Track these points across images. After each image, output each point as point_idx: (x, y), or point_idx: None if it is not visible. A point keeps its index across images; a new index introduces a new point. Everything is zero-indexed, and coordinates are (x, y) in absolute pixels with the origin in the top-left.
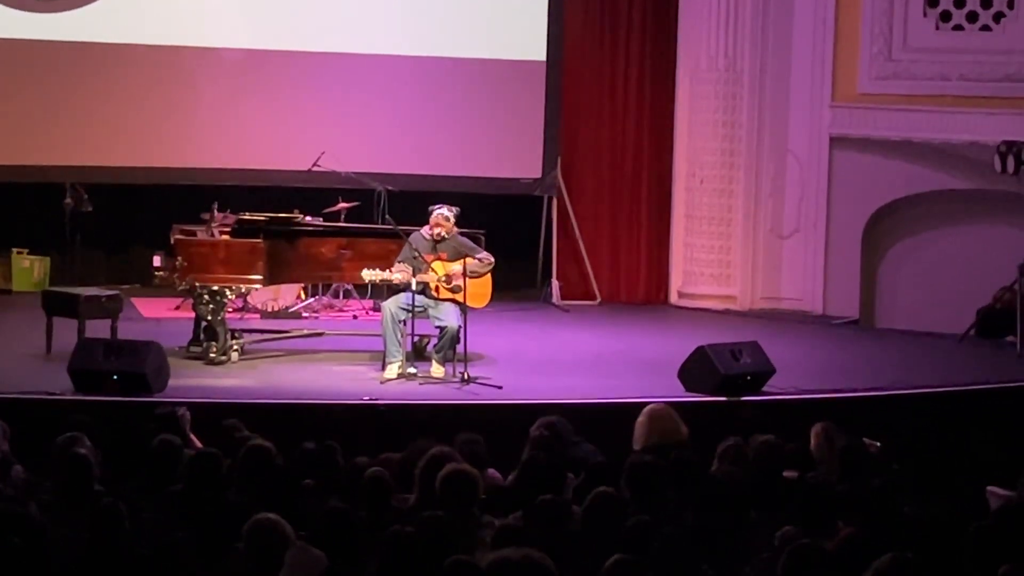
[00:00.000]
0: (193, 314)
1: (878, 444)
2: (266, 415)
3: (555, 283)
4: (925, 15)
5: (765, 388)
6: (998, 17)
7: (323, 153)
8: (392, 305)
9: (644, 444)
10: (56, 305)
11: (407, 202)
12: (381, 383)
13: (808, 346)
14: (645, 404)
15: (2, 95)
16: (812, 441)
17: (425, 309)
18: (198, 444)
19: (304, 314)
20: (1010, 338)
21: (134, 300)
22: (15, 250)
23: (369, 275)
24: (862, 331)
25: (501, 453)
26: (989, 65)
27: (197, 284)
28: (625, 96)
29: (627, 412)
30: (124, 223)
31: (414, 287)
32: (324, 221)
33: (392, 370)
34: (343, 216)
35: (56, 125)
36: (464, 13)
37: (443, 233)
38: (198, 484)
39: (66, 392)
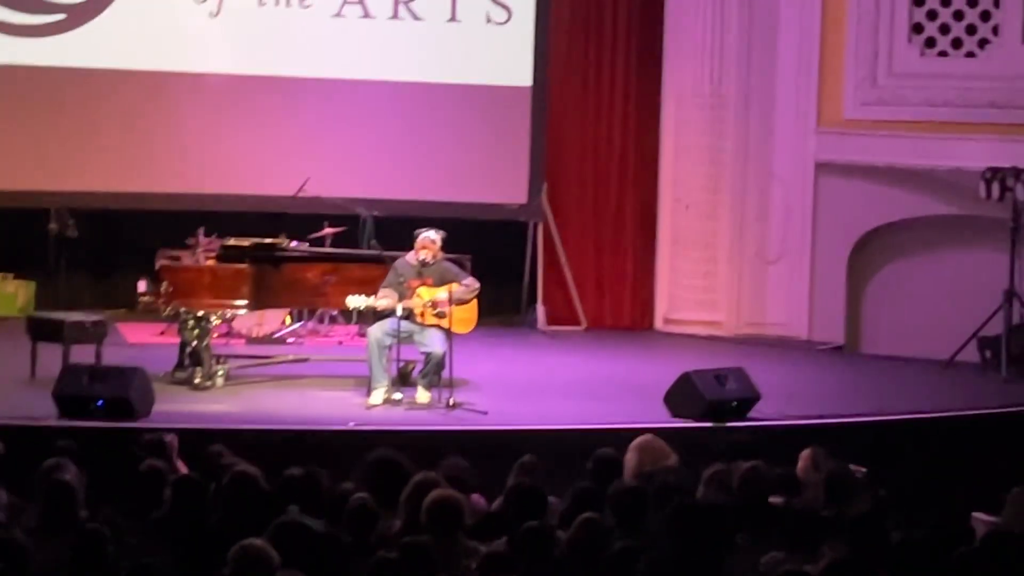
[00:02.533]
0: (178, 339)
1: (864, 470)
2: (251, 441)
3: (540, 308)
4: (910, 41)
5: (751, 414)
6: (983, 43)
7: (309, 179)
8: (377, 331)
9: (636, 475)
10: (41, 330)
11: (393, 228)
12: (366, 409)
13: (793, 371)
14: (631, 430)
15: None
16: (799, 465)
17: (410, 335)
18: (184, 470)
19: (289, 340)
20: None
21: (119, 325)
22: (0, 275)
23: (354, 301)
24: (847, 357)
25: (486, 479)
26: (974, 91)
27: (182, 309)
28: (610, 121)
29: (613, 438)
30: (109, 248)
31: (399, 313)
32: (310, 246)
33: (377, 396)
34: (329, 242)
35: (40, 150)
36: (450, 39)
37: (429, 256)
38: (182, 509)
39: (51, 417)
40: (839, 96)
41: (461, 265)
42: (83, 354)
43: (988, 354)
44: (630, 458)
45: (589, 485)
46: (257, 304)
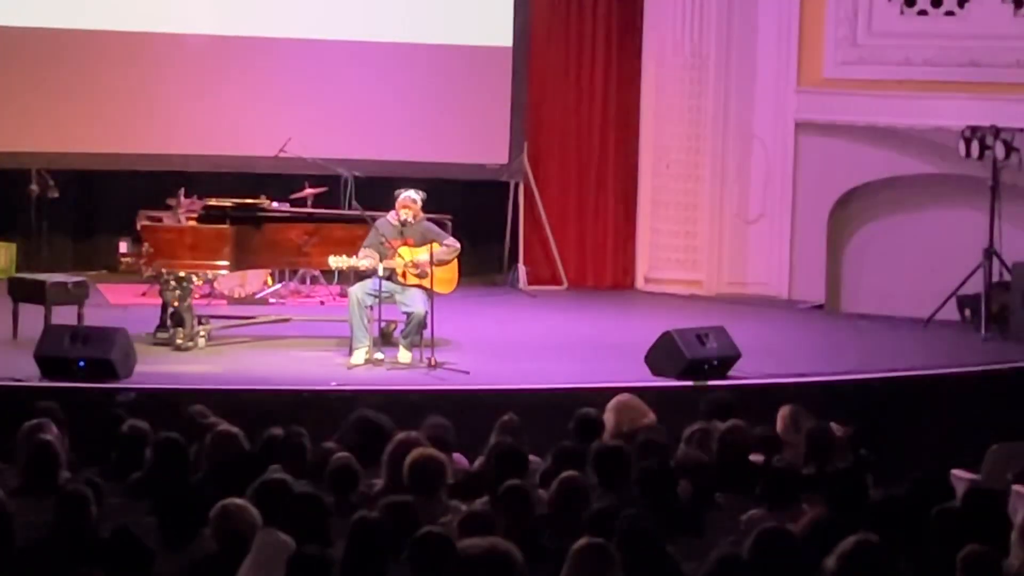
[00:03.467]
0: (160, 300)
1: (844, 428)
2: (233, 401)
3: (522, 268)
4: (890, 0)
5: (731, 372)
6: (962, 2)
7: (290, 139)
8: (359, 291)
9: (614, 435)
10: (22, 291)
11: (374, 188)
12: (348, 369)
13: (774, 330)
14: (612, 389)
15: None
16: (779, 424)
17: (392, 295)
18: None
19: (271, 300)
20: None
21: (100, 286)
22: None
23: (336, 261)
24: (828, 315)
25: (468, 438)
26: (954, 50)
27: (164, 270)
28: (591, 82)
29: (595, 397)
30: (90, 209)
31: (381, 273)
32: (291, 207)
33: (359, 356)
34: (310, 202)
35: (21, 111)
36: None
37: (410, 216)
38: (163, 470)
39: (32, 378)
40: (819, 55)
41: (442, 225)
42: (65, 315)
43: (967, 312)
44: (608, 418)
45: (570, 444)
46: (238, 265)
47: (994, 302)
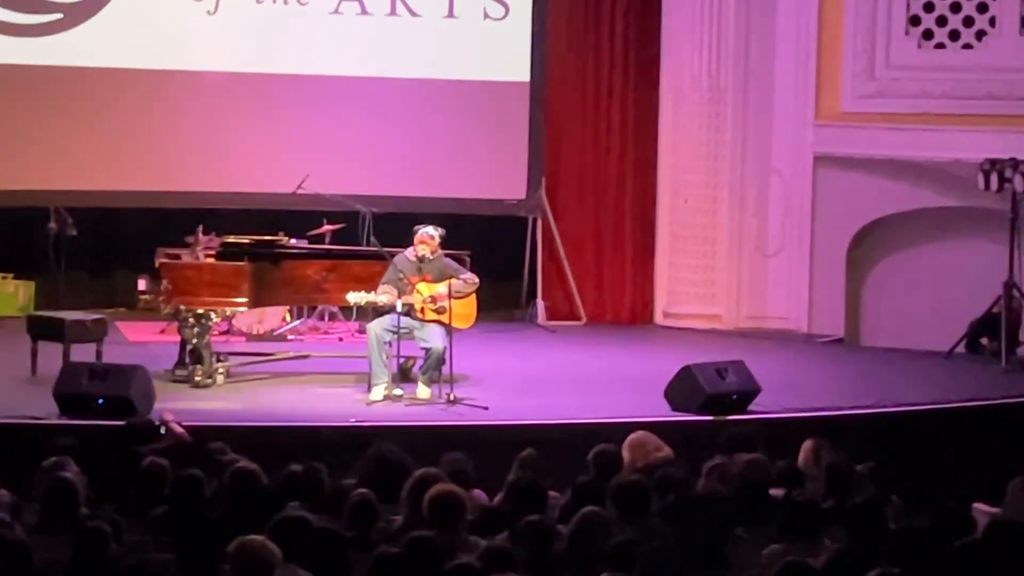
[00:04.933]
0: (178, 337)
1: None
2: (252, 438)
3: (540, 303)
4: (907, 33)
5: (751, 407)
6: (980, 35)
7: (308, 175)
8: (377, 327)
9: (630, 471)
10: (41, 329)
11: (392, 224)
12: (367, 405)
13: (794, 364)
14: (632, 424)
15: None
16: (801, 457)
17: (410, 330)
18: (178, 430)
19: (289, 336)
20: (989, 342)
21: (119, 324)
22: (0, 275)
23: (354, 297)
24: (847, 349)
25: (487, 474)
26: (972, 83)
27: (182, 307)
28: (609, 116)
29: (614, 432)
30: (108, 247)
31: (399, 309)
32: (309, 243)
33: (378, 392)
34: (328, 238)
35: (39, 149)
36: (448, 35)
37: (428, 252)
38: (182, 507)
39: (51, 416)
40: (837, 89)
41: (460, 261)
42: (83, 353)
43: (986, 342)
44: (624, 455)
45: (590, 479)
46: (257, 301)
47: (987, 332)
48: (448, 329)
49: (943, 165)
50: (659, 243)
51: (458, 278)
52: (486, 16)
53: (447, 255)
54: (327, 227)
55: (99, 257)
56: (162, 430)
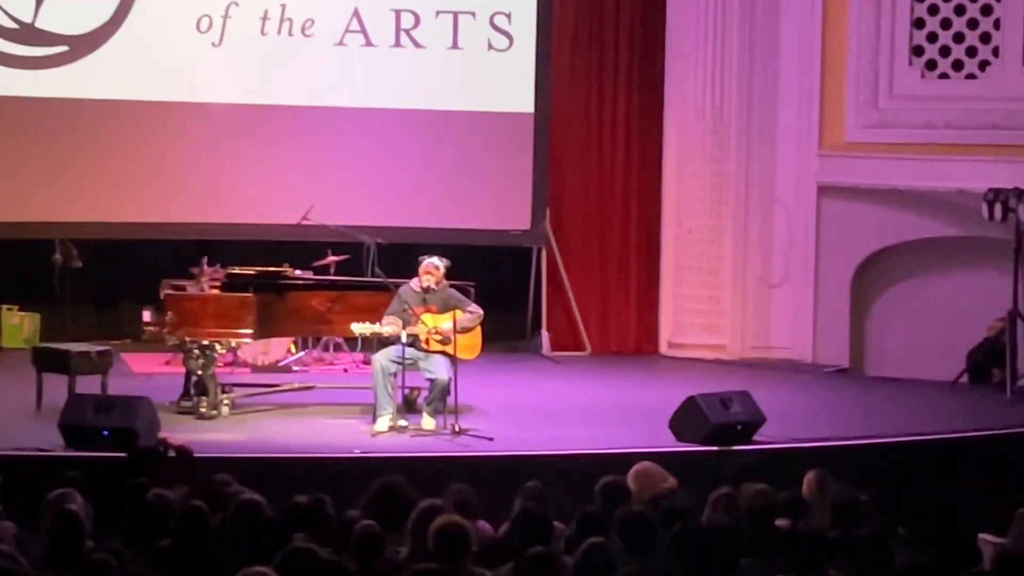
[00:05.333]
0: (183, 369)
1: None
2: (257, 469)
3: (545, 334)
4: (911, 63)
5: (756, 437)
6: (983, 65)
7: (312, 207)
8: (382, 358)
9: (635, 501)
10: (46, 361)
11: (397, 255)
12: (372, 436)
13: (798, 395)
14: (637, 455)
15: None
16: (804, 488)
17: (415, 361)
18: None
19: (294, 368)
20: (996, 374)
21: (124, 355)
22: (4, 306)
23: (359, 328)
24: (852, 379)
25: (492, 505)
26: (975, 113)
27: (187, 339)
28: (613, 146)
29: (619, 463)
30: (113, 278)
31: (404, 340)
32: (314, 274)
33: (383, 423)
34: (333, 269)
35: (44, 181)
36: (452, 66)
37: (432, 283)
38: (187, 539)
39: (57, 448)
40: (840, 119)
41: (465, 292)
42: (89, 384)
43: (997, 372)
44: (630, 486)
45: (595, 510)
46: (262, 333)
47: (978, 359)
48: (453, 360)
49: (947, 195)
50: (663, 273)
51: (463, 309)
52: (490, 47)
53: (452, 286)
54: (331, 258)
55: (104, 289)
56: (166, 452)
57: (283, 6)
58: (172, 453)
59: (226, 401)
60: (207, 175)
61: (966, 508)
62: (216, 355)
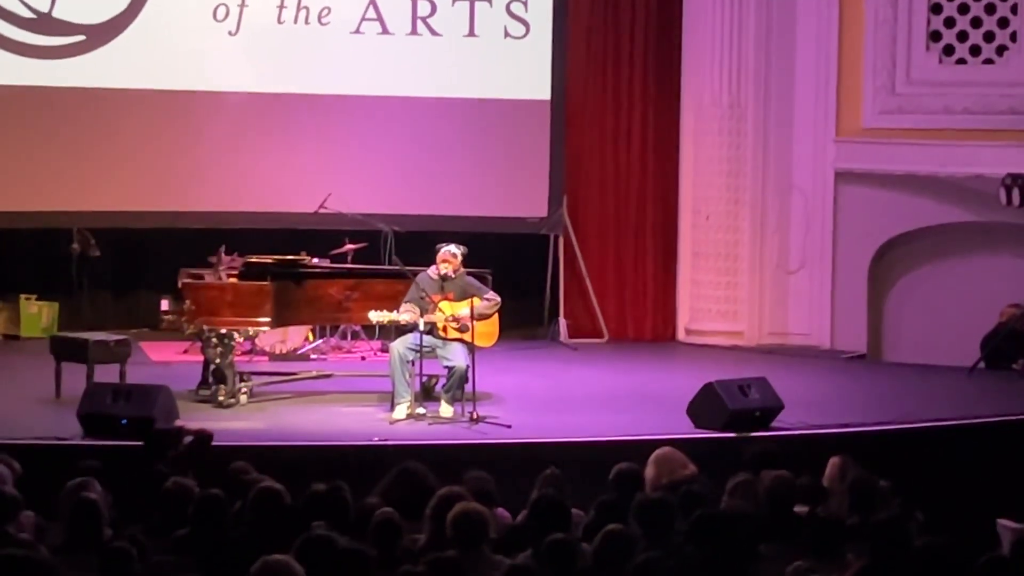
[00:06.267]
0: (201, 357)
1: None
2: (275, 457)
3: (562, 321)
4: (928, 49)
5: (774, 424)
6: (1001, 50)
7: (329, 195)
8: (400, 346)
9: (654, 487)
10: (64, 350)
11: (414, 243)
12: (390, 424)
13: (816, 381)
14: (655, 442)
15: (7, 141)
16: (827, 473)
17: (433, 349)
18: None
19: (312, 356)
20: (1020, 362)
21: (142, 344)
22: (23, 296)
23: (376, 316)
24: (870, 365)
25: (510, 492)
26: (993, 98)
27: (205, 327)
28: (629, 133)
29: (637, 450)
30: (131, 267)
31: (422, 327)
32: (331, 263)
33: (401, 411)
34: (350, 257)
35: (62, 171)
36: (469, 54)
37: (450, 270)
38: (206, 527)
39: (75, 437)
40: (858, 105)
41: (482, 279)
42: (107, 373)
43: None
44: (648, 471)
45: (613, 497)
46: (279, 321)
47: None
48: (471, 347)
49: (965, 180)
50: (681, 260)
51: (480, 297)
52: (507, 35)
53: (469, 273)
54: (349, 246)
55: (122, 278)
56: (182, 437)
57: None
58: (189, 438)
59: (244, 389)
60: (224, 164)
61: (985, 494)
62: (234, 343)
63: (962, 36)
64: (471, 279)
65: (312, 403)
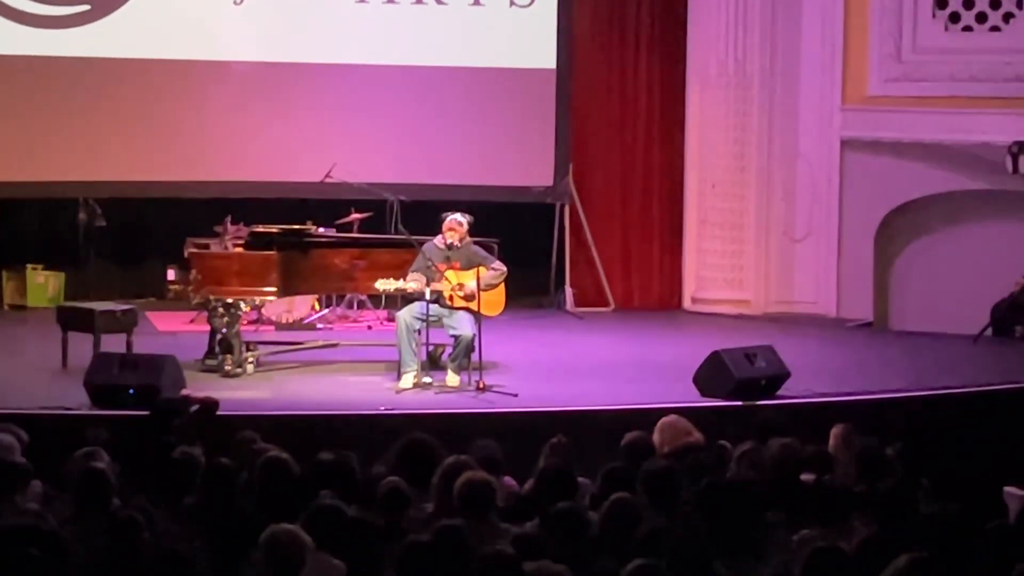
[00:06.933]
0: (208, 327)
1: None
2: (282, 426)
3: (568, 290)
4: (934, 16)
5: (780, 392)
6: (1007, 17)
7: (335, 164)
8: (406, 315)
9: (660, 455)
10: (71, 320)
11: (420, 212)
12: (396, 393)
13: (822, 349)
14: (661, 410)
15: (13, 112)
16: (831, 442)
17: (439, 318)
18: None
19: (319, 325)
20: (1019, 329)
21: (149, 314)
22: (30, 266)
23: (383, 285)
24: (876, 333)
25: (517, 461)
26: (999, 65)
27: (211, 297)
28: (635, 102)
29: (643, 418)
30: (137, 237)
31: (428, 296)
32: (337, 232)
33: (407, 380)
34: (356, 227)
35: (68, 141)
36: (474, 22)
37: (456, 239)
38: (214, 496)
39: (83, 407)
40: (864, 72)
41: (488, 248)
42: (114, 343)
43: (1020, 330)
44: (654, 439)
45: (620, 465)
46: (286, 290)
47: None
48: (477, 316)
49: (971, 148)
50: (687, 229)
51: (486, 266)
52: (512, 3)
53: (475, 242)
54: (355, 216)
55: (128, 247)
56: (188, 406)
57: None
58: (195, 407)
59: (251, 359)
60: (229, 133)
61: (991, 461)
62: (240, 313)
63: (968, 3)
64: (477, 248)
65: (319, 372)
